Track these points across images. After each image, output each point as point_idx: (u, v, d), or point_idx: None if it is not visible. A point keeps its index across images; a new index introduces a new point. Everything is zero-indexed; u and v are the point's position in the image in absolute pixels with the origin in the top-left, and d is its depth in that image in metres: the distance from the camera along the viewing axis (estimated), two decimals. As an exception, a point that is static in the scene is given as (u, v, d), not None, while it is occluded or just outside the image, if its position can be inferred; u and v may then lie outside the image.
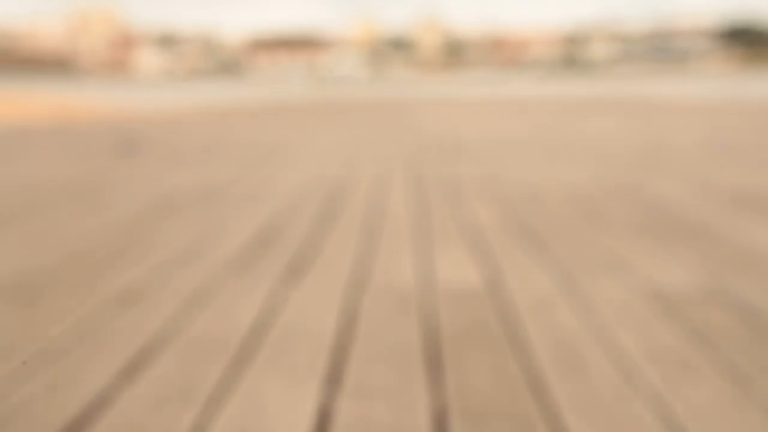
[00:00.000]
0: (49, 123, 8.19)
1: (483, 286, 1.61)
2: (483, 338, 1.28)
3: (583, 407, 1.01)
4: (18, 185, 3.28)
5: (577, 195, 2.91)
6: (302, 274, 1.73)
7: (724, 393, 1.05)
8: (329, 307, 1.47)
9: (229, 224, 2.35)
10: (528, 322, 1.37)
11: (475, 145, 5.18)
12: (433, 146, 5.11)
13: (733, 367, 1.14)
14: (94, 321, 1.38)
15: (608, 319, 1.38)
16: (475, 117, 8.77)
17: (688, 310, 1.44)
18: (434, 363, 1.18)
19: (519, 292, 1.56)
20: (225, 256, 1.91)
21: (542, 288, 1.60)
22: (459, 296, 1.54)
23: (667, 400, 1.02)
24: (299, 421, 0.96)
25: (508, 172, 3.62)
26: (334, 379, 1.11)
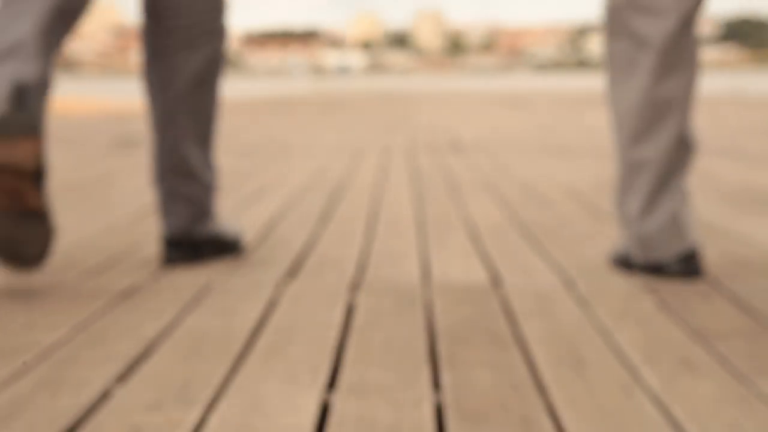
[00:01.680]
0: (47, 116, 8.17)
1: (483, 284, 1.61)
2: (483, 335, 1.28)
3: (583, 405, 1.01)
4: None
5: (577, 191, 2.90)
6: (304, 271, 1.73)
7: (725, 391, 1.05)
8: (331, 303, 1.47)
9: (233, 218, 2.34)
10: (528, 319, 1.37)
11: (475, 142, 5.17)
12: (432, 143, 5.10)
13: (734, 366, 1.14)
14: (94, 320, 1.38)
15: (609, 317, 1.38)
16: (475, 112, 8.77)
17: (690, 308, 1.44)
18: (436, 360, 1.18)
19: (519, 290, 1.56)
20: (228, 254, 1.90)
21: (543, 286, 1.60)
22: (458, 293, 1.54)
23: (667, 398, 1.02)
24: (300, 420, 0.96)
25: (508, 170, 3.62)
26: (335, 377, 1.11)
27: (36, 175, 1.47)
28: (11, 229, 1.46)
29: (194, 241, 1.80)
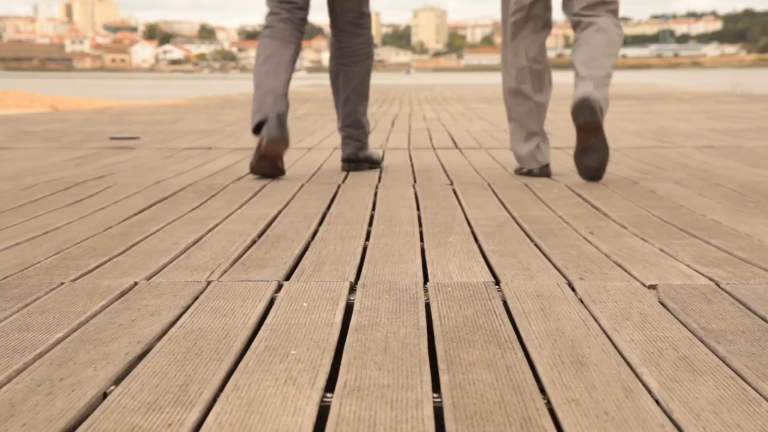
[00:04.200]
0: (44, 114, 8.17)
1: (483, 284, 1.61)
2: (483, 335, 1.28)
3: (583, 405, 1.00)
4: (11, 178, 3.27)
5: (577, 189, 2.90)
6: (304, 271, 1.73)
7: (726, 392, 1.04)
8: (331, 303, 1.46)
9: (231, 218, 2.34)
10: (528, 319, 1.36)
11: (475, 139, 5.16)
12: (432, 141, 5.10)
13: (735, 367, 1.14)
14: (91, 320, 1.38)
15: (609, 317, 1.38)
16: (475, 109, 8.76)
17: (690, 308, 1.43)
18: (436, 361, 1.17)
19: (519, 290, 1.56)
20: (227, 254, 1.90)
21: (543, 286, 1.59)
22: (458, 293, 1.53)
23: (667, 399, 1.02)
24: (299, 421, 0.96)
25: (508, 168, 3.61)
26: (334, 377, 1.10)
27: (282, 156, 3.19)
28: (273, 173, 3.25)
29: (359, 159, 3.49)
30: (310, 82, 25.79)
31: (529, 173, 3.28)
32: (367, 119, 3.52)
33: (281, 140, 3.07)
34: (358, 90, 3.45)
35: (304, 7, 3.29)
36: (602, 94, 2.99)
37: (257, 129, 3.10)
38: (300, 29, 3.28)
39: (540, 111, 3.27)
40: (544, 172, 3.27)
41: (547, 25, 3.27)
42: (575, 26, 3.17)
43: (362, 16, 3.42)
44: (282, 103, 3.09)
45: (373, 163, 3.54)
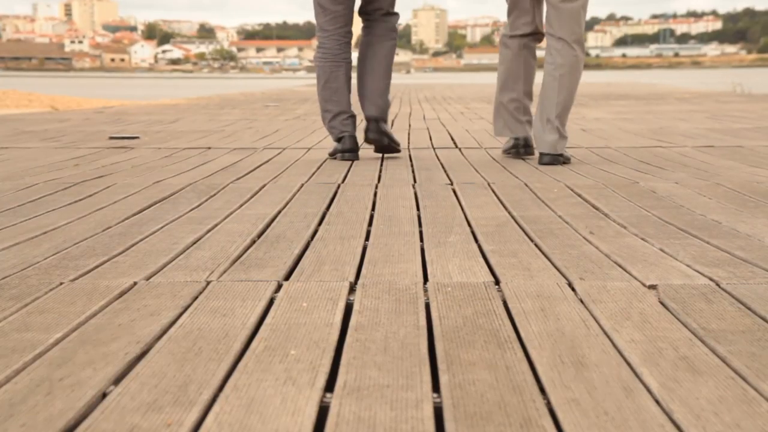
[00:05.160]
0: (43, 114, 8.16)
1: (483, 284, 1.61)
2: (483, 335, 1.28)
3: (583, 405, 1.00)
4: (10, 178, 3.26)
5: (576, 190, 2.90)
6: (304, 271, 1.73)
7: (726, 392, 1.04)
8: (331, 303, 1.46)
9: (231, 218, 2.34)
10: (528, 319, 1.36)
11: (475, 139, 5.16)
12: (431, 141, 5.09)
13: (735, 367, 1.14)
14: (90, 320, 1.38)
15: (609, 317, 1.38)
16: (475, 109, 8.75)
17: (691, 308, 1.43)
18: (435, 361, 1.17)
19: (519, 290, 1.55)
20: (226, 254, 1.90)
21: (543, 286, 1.59)
22: (458, 293, 1.53)
23: (667, 399, 1.02)
24: (299, 422, 0.96)
25: (508, 167, 3.60)
26: (334, 377, 1.10)
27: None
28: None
29: (380, 130, 3.88)
30: (310, 82, 25.77)
31: (515, 147, 3.89)
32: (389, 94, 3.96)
33: (354, 151, 3.89)
34: (383, 63, 3.92)
35: (348, 23, 3.89)
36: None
37: (338, 140, 3.96)
38: (347, 39, 3.93)
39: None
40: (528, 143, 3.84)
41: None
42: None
43: (389, 15, 3.97)
44: (348, 123, 3.87)
45: (394, 143, 3.94)
